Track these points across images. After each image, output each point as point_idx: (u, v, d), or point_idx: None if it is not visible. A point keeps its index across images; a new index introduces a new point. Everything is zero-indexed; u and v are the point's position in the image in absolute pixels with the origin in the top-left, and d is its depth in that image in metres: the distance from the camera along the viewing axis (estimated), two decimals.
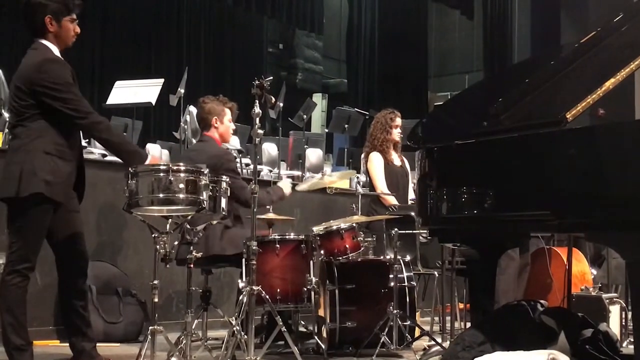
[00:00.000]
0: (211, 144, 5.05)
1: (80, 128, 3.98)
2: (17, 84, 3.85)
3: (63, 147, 3.85)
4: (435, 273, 5.62)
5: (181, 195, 3.69)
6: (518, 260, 5.02)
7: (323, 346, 4.65)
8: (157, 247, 3.76)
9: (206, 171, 3.86)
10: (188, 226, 4.08)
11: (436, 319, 5.96)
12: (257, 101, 4.13)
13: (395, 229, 4.73)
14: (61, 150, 3.84)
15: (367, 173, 6.24)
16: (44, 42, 3.92)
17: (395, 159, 6.16)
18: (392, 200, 5.91)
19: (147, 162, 3.93)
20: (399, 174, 6.14)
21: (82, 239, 4.08)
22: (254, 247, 4.02)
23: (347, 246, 4.84)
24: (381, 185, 5.97)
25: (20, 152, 3.80)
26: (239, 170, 5.13)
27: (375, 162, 6.05)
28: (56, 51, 3.93)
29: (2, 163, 3.91)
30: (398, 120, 6.14)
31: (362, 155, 6.64)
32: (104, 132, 3.94)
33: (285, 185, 5.22)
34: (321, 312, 4.92)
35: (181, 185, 3.68)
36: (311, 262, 4.62)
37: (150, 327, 3.75)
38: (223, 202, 4.02)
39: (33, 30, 3.93)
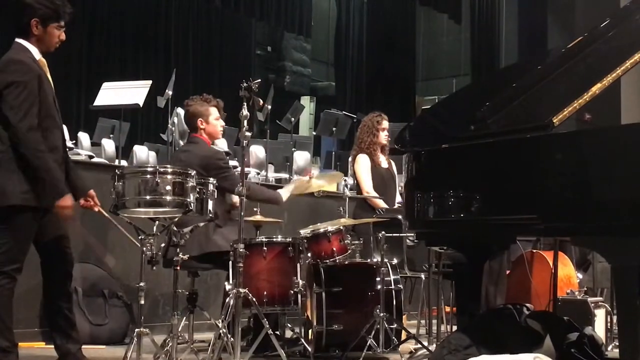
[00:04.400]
0: (201, 145, 5.02)
1: (10, 137, 3.75)
2: None
3: None
4: (422, 276, 5.63)
5: (168, 197, 3.69)
6: (487, 268, 5.00)
7: (310, 349, 4.64)
8: (144, 249, 3.75)
9: (193, 173, 3.86)
10: (175, 228, 4.06)
11: (423, 322, 5.97)
12: (245, 103, 4.13)
13: (383, 232, 4.73)
14: None
15: (354, 175, 6.25)
16: (24, 42, 3.88)
17: (383, 161, 6.17)
18: (379, 202, 5.91)
19: (60, 202, 3.78)
20: (386, 177, 6.14)
21: (67, 242, 4.05)
22: (241, 250, 4.02)
23: (334, 249, 4.85)
24: (367, 187, 5.98)
25: None
26: (230, 165, 5.08)
27: (362, 164, 6.06)
28: (36, 53, 3.89)
29: None
30: (385, 124, 6.15)
31: (350, 158, 6.65)
32: (26, 150, 3.71)
33: (285, 193, 5.17)
34: (308, 315, 4.92)
35: (168, 187, 3.68)
36: (298, 264, 4.61)
37: (136, 329, 3.74)
38: (210, 204, 4.01)
39: (18, 28, 3.90)
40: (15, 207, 3.73)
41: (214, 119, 5.08)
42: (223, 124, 5.20)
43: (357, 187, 6.20)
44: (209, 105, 5.08)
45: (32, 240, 3.86)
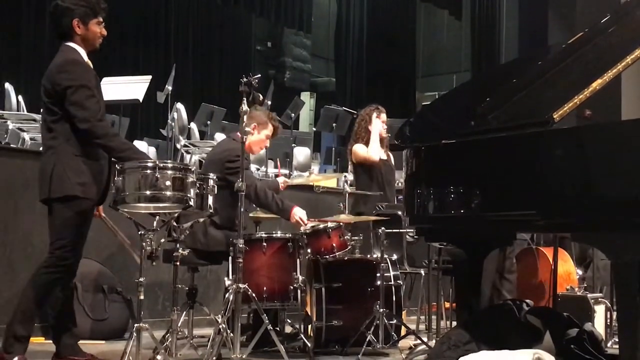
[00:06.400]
0: (235, 141, 5.01)
1: (82, 132, 3.90)
2: (44, 84, 3.93)
3: (91, 147, 3.92)
4: (422, 272, 5.63)
5: (168, 193, 3.68)
6: (492, 266, 4.99)
7: (309, 345, 4.64)
8: (144, 244, 3.75)
9: (193, 169, 3.87)
10: (175, 223, 4.06)
11: (422, 317, 5.97)
12: (244, 99, 4.13)
13: (382, 228, 4.73)
14: (89, 151, 3.92)
15: (354, 168, 6.19)
16: (71, 44, 3.99)
17: (381, 154, 6.11)
18: (374, 155, 5.88)
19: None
20: (384, 169, 6.09)
21: (83, 242, 4.09)
22: (241, 245, 4.01)
23: (334, 245, 4.85)
24: (373, 151, 5.97)
25: (52, 154, 3.88)
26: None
27: (359, 148, 6.02)
28: (83, 54, 4.00)
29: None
30: (382, 117, 6.09)
31: (348, 152, 6.61)
32: (103, 139, 3.91)
33: (299, 211, 4.85)
34: (307, 311, 4.92)
35: (168, 183, 3.67)
36: (298, 260, 4.61)
37: (135, 325, 3.74)
38: (210, 200, 4.01)
39: (61, 33, 4.02)
40: (72, 197, 3.84)
41: (264, 135, 5.05)
42: (268, 144, 5.19)
43: (356, 182, 6.12)
44: (270, 121, 5.05)
45: (86, 233, 3.97)
